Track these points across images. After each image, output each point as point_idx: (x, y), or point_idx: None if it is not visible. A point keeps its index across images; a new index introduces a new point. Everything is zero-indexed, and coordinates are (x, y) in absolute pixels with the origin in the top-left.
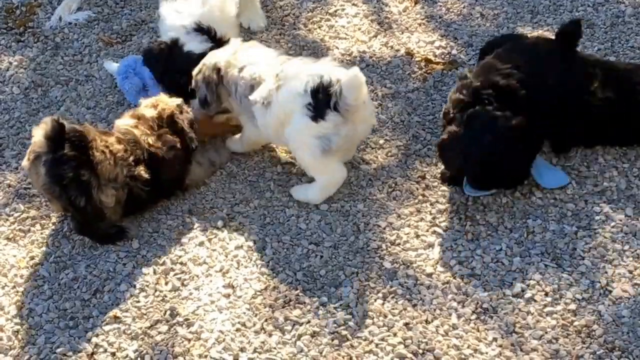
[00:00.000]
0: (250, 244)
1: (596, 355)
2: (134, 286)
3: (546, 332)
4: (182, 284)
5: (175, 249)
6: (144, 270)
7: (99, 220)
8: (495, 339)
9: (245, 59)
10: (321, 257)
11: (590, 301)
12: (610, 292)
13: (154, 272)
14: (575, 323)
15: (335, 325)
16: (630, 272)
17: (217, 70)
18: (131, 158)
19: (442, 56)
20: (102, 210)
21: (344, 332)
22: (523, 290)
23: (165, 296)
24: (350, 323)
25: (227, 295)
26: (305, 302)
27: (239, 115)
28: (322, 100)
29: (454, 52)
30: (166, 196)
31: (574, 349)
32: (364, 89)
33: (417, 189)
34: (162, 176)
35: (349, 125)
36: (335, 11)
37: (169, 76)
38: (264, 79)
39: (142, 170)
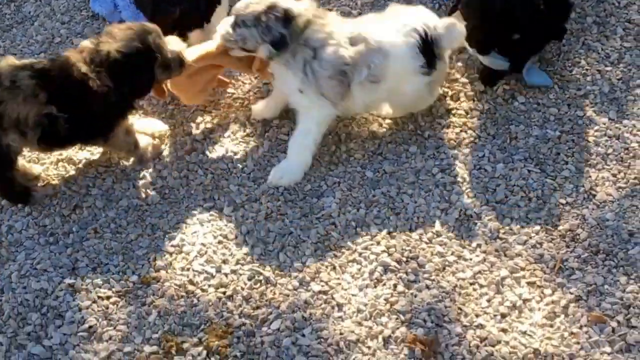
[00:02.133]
0: (231, 156)
1: (580, 259)
2: (114, 201)
3: (530, 237)
4: (163, 198)
5: (154, 162)
6: (124, 184)
7: (9, 168)
8: (479, 245)
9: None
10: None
11: (574, 205)
12: (594, 196)
13: (134, 187)
14: (560, 227)
15: (318, 235)
16: (614, 175)
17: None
18: (42, 95)
19: None
20: (10, 155)
21: (327, 243)
22: (507, 196)
23: (146, 210)
24: (333, 233)
25: (209, 209)
26: (287, 214)
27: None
28: (430, 55)
29: None
30: (87, 137)
31: (558, 253)
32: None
33: None
34: (90, 109)
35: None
36: None
37: (162, 9)
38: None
39: (54, 109)
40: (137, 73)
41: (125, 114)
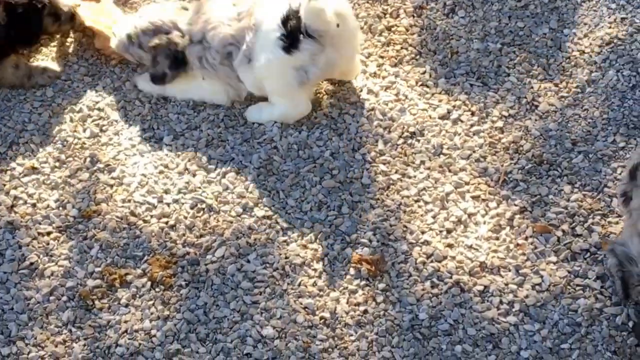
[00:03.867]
0: None
1: (524, 170)
2: (51, 136)
3: (474, 152)
4: (101, 130)
5: (91, 94)
6: (60, 118)
7: None
8: (423, 162)
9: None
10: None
11: (517, 117)
12: (537, 106)
13: (71, 120)
14: (503, 140)
15: (260, 160)
16: (556, 85)
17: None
18: None
19: None
20: None
21: (269, 167)
22: (449, 112)
23: (84, 143)
24: (275, 157)
25: (148, 139)
26: (228, 140)
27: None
28: (293, 28)
29: None
30: None
31: (502, 165)
32: (326, 15)
33: None
34: None
35: (329, 53)
36: None
37: None
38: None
39: None
40: (26, 18)
41: (8, 54)
